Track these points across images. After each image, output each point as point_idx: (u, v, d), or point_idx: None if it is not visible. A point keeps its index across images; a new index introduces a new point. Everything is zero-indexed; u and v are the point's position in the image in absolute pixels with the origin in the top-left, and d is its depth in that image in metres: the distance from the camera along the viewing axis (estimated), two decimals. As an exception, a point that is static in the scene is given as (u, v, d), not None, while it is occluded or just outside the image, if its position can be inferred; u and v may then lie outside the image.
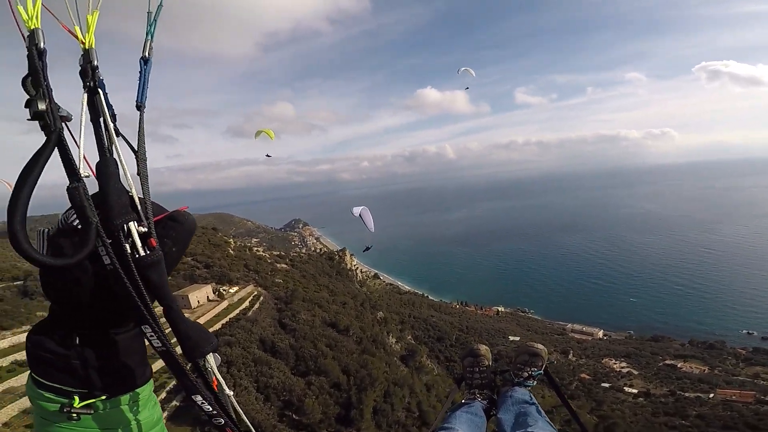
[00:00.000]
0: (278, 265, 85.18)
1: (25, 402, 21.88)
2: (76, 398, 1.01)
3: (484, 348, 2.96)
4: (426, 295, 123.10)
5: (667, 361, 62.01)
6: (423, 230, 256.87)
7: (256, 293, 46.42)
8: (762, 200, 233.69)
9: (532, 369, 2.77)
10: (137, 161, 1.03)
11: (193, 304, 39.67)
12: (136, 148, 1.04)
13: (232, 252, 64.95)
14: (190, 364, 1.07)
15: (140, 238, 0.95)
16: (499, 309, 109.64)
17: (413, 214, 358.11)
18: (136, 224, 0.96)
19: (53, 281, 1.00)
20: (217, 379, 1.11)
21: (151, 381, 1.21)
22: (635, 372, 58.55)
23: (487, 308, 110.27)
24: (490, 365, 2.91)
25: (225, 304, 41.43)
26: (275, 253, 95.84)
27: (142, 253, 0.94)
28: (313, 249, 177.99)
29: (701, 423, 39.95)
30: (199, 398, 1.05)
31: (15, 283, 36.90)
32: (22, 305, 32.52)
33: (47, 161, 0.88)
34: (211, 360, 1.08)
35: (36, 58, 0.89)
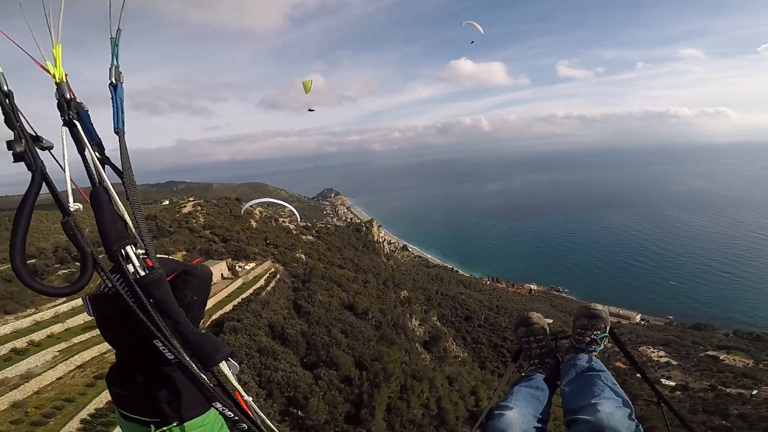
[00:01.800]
0: (304, 237, 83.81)
1: (14, 396, 20.75)
2: (152, 426, 1.18)
3: (536, 315, 2.77)
4: (456, 269, 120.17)
5: (709, 352, 57.11)
6: (456, 201, 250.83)
7: (273, 270, 44.53)
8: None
9: (595, 332, 2.52)
10: (124, 186, 1.08)
11: (206, 281, 38.14)
12: (122, 171, 1.08)
13: (254, 224, 63.45)
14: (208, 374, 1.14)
15: (138, 259, 1.03)
16: (532, 287, 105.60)
17: (446, 185, 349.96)
18: (134, 247, 1.03)
19: (104, 328, 1.13)
20: (234, 386, 1.16)
21: (213, 409, 1.26)
22: (674, 362, 53.98)
23: (520, 286, 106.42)
24: (547, 331, 2.69)
25: (239, 282, 39.71)
26: (301, 224, 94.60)
27: (142, 273, 1.02)
28: (343, 218, 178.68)
29: (743, 424, 35.52)
30: (219, 405, 1.11)
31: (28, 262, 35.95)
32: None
33: (36, 198, 0.96)
34: (225, 368, 1.12)
35: (3, 99, 0.95)
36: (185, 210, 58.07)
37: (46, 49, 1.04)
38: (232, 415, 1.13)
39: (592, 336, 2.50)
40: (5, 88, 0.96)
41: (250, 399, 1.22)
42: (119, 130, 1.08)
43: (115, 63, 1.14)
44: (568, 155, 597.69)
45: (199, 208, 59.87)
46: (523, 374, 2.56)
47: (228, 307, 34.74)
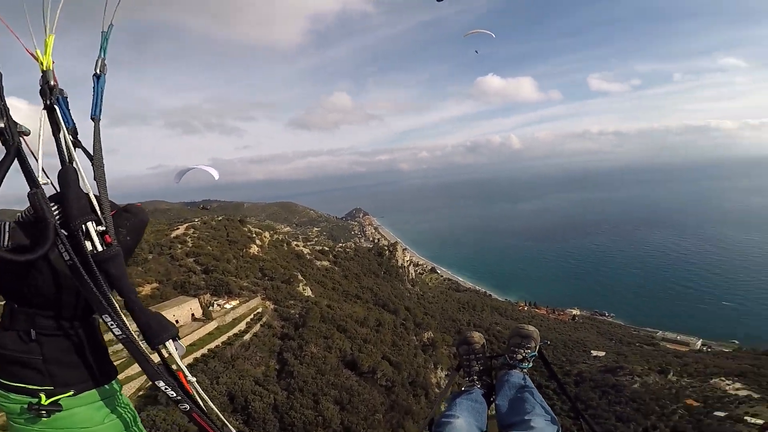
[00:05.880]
0: (319, 263, 75.69)
1: None
2: (43, 396, 1.05)
3: (477, 335, 2.98)
4: (489, 293, 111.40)
5: (796, 381, 45.91)
6: (488, 223, 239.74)
7: (259, 310, 35.73)
8: None
9: (526, 350, 2.78)
10: (93, 167, 1.14)
11: (167, 326, 29.76)
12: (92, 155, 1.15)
13: (256, 250, 55.46)
14: (154, 353, 1.12)
15: (98, 236, 1.06)
16: (575, 313, 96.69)
17: (477, 205, 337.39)
18: (94, 224, 1.06)
19: (16, 276, 1.05)
20: (179, 367, 1.15)
21: (118, 380, 1.26)
22: (755, 395, 43.73)
23: (561, 311, 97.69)
24: (486, 350, 2.92)
25: (212, 325, 31.17)
26: (317, 248, 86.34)
27: (99, 248, 1.04)
28: (371, 239, 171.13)
29: None
30: (161, 384, 1.09)
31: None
32: None
33: (7, 170, 1.02)
34: (171, 348, 1.10)
35: None
36: (174, 233, 50.94)
37: (39, 38, 1.10)
38: (174, 395, 1.09)
39: (524, 354, 2.72)
40: None
41: (194, 380, 1.18)
42: (95, 117, 1.15)
43: (102, 56, 1.22)
44: (604, 172, 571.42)
45: (192, 230, 52.62)
46: (463, 388, 2.71)
47: (186, 360, 25.96)
